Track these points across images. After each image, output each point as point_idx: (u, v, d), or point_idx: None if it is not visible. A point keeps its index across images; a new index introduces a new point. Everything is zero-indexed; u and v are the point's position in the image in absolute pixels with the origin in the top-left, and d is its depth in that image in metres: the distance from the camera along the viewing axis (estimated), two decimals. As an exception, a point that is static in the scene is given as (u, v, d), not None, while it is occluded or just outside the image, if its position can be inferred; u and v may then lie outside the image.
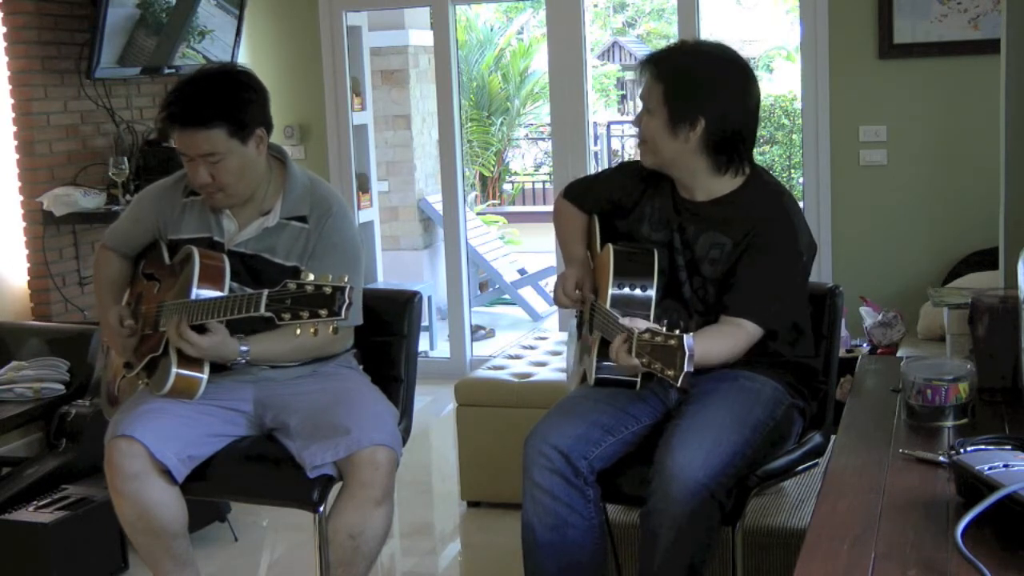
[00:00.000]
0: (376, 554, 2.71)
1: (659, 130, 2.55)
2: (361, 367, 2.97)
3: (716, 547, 2.50)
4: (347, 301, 2.31)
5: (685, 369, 2.12)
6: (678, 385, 2.15)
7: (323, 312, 2.32)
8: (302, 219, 2.81)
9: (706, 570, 2.46)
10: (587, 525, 2.54)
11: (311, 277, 2.36)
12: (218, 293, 2.67)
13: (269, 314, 2.38)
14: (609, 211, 2.80)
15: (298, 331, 2.37)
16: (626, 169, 2.86)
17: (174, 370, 2.68)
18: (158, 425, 2.67)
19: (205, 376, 2.71)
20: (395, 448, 2.68)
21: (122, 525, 2.77)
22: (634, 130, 2.73)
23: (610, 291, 2.56)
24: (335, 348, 2.85)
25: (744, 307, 2.52)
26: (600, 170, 3.01)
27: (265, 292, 2.40)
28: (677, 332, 2.16)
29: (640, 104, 2.63)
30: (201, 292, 2.66)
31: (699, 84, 2.54)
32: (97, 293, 3.06)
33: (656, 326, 2.22)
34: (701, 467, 2.38)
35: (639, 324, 2.28)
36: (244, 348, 2.67)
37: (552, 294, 2.86)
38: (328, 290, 2.32)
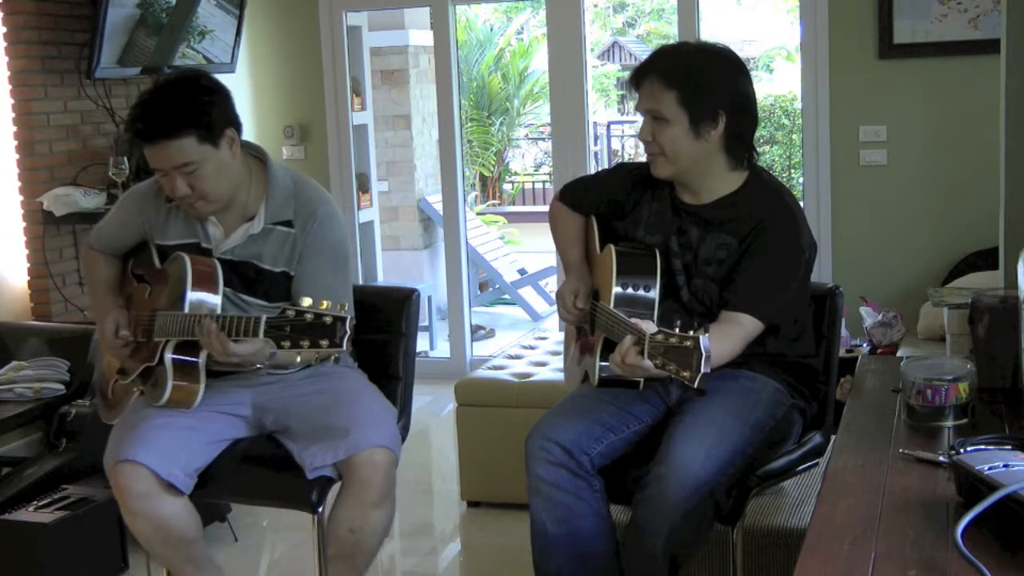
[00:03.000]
0: (376, 550, 2.71)
1: (680, 136, 2.54)
2: (356, 363, 2.96)
3: (703, 545, 2.51)
4: (348, 332, 2.29)
5: (702, 370, 2.11)
6: (695, 386, 2.13)
7: (324, 343, 2.30)
8: (287, 223, 2.77)
9: (687, 564, 2.46)
10: (596, 515, 2.54)
11: (308, 302, 2.32)
12: (213, 297, 2.66)
13: (267, 340, 2.36)
14: (606, 212, 2.80)
15: (299, 358, 2.37)
16: (622, 171, 2.85)
17: (171, 383, 2.67)
18: (160, 443, 2.65)
19: (202, 386, 2.70)
20: (394, 449, 2.68)
21: (140, 542, 2.76)
22: (635, 137, 2.72)
23: (614, 291, 2.56)
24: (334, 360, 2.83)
25: (745, 302, 2.52)
26: (596, 172, 3.00)
27: (263, 318, 2.38)
28: (692, 333, 2.15)
29: (641, 118, 2.61)
30: (195, 296, 2.65)
31: (711, 81, 2.54)
32: (92, 295, 3.03)
33: (667, 329, 2.21)
34: (702, 464, 2.38)
35: (649, 326, 2.27)
36: (272, 351, 2.54)
37: (556, 312, 2.85)
38: (328, 320, 2.29)
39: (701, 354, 2.11)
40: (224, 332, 2.51)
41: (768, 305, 2.54)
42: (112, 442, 2.73)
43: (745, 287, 2.53)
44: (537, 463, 2.54)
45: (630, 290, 2.57)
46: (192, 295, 2.65)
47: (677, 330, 2.18)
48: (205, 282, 2.68)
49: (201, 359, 2.69)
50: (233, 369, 2.79)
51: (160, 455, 2.63)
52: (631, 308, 2.52)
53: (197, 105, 2.65)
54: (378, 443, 2.63)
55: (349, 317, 2.31)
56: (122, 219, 2.94)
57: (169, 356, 2.67)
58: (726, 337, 2.49)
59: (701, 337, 2.12)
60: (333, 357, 2.41)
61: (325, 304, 2.32)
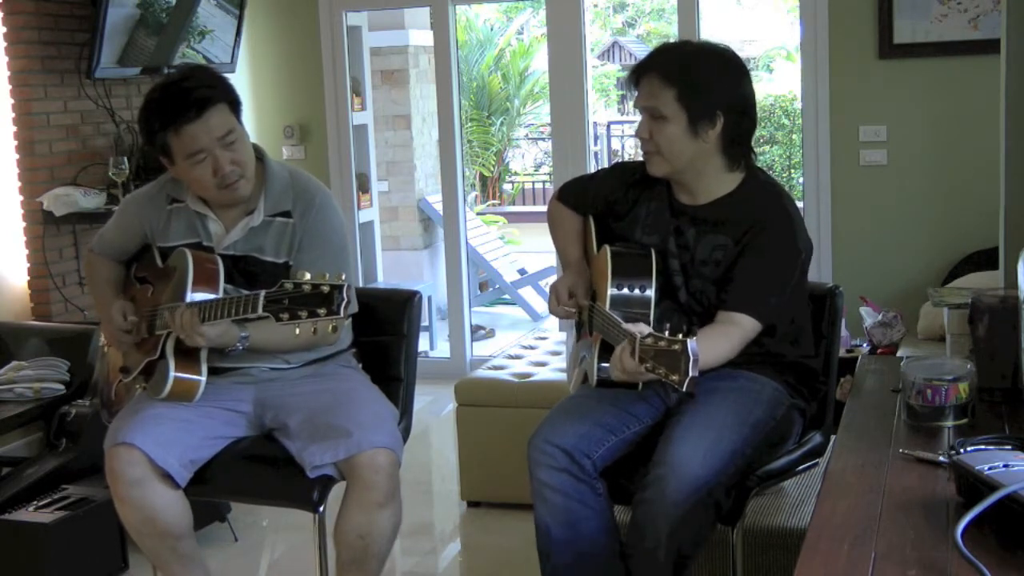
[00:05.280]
0: (387, 553, 2.71)
1: (678, 135, 2.53)
2: (360, 366, 2.96)
3: (703, 545, 2.50)
4: (345, 299, 2.30)
5: (690, 374, 2.11)
6: (683, 390, 2.13)
7: (322, 311, 2.31)
8: (286, 214, 2.80)
9: (692, 564, 2.46)
10: (600, 518, 2.54)
11: (307, 276, 2.34)
12: (213, 295, 2.67)
13: (266, 315, 2.37)
14: (604, 212, 2.79)
15: (297, 331, 2.36)
16: (620, 171, 2.85)
17: (172, 374, 2.68)
18: (158, 431, 2.66)
19: (203, 379, 2.70)
20: (395, 450, 2.68)
21: (127, 530, 2.77)
22: (635, 137, 2.70)
23: (609, 292, 2.56)
24: (334, 339, 2.84)
25: (741, 302, 2.52)
26: (594, 171, 3.00)
27: (262, 293, 2.39)
28: (680, 336, 2.15)
29: (639, 115, 2.60)
30: (196, 295, 2.66)
31: (710, 80, 2.54)
32: (95, 293, 3.05)
33: (657, 332, 2.21)
34: (701, 464, 2.38)
35: (642, 329, 2.27)
36: (244, 335, 2.66)
37: (548, 306, 2.84)
38: (326, 289, 2.31)
39: (689, 358, 2.11)
40: (224, 313, 2.52)
41: (765, 305, 2.54)
42: (111, 429, 2.74)
43: (742, 287, 2.53)
44: (540, 468, 2.54)
45: (625, 291, 2.57)
46: (192, 295, 2.66)
47: (667, 333, 2.18)
48: (206, 280, 2.69)
49: (202, 352, 2.70)
50: (234, 364, 2.80)
51: (156, 442, 2.64)
52: (627, 309, 2.52)
53: (219, 80, 2.75)
54: (380, 444, 2.63)
55: (347, 284, 2.31)
56: (123, 224, 2.96)
57: (171, 348, 2.68)
58: (724, 337, 2.49)
59: (689, 341, 2.12)
60: (332, 327, 2.39)
61: (324, 276, 2.34)
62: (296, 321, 2.33)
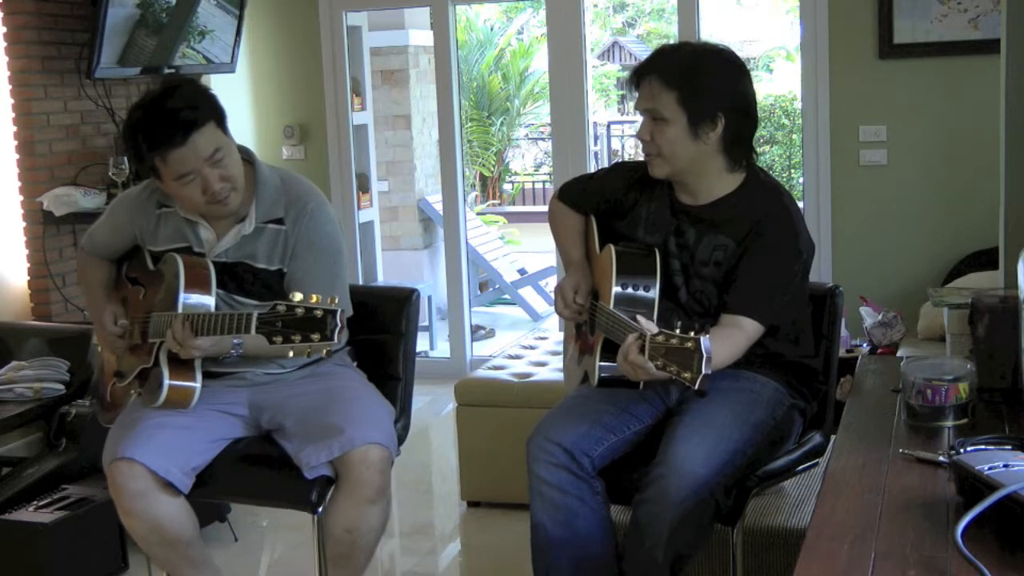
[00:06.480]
0: (374, 547, 2.71)
1: (678, 137, 2.52)
2: (355, 363, 2.96)
3: (704, 546, 2.51)
4: (339, 325, 2.29)
5: (703, 372, 2.10)
6: (695, 388, 2.12)
7: (315, 336, 2.30)
8: (279, 220, 2.77)
9: (689, 565, 2.46)
10: (597, 517, 2.54)
11: (299, 297, 2.33)
12: (207, 298, 2.66)
13: (260, 335, 2.36)
14: (605, 211, 2.79)
15: (291, 353, 2.36)
16: (621, 170, 2.85)
17: (167, 382, 2.66)
18: (157, 441, 2.65)
19: (198, 385, 2.69)
20: (389, 446, 2.67)
21: (136, 541, 2.76)
22: (635, 139, 2.69)
23: (613, 290, 2.56)
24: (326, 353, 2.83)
25: (744, 304, 2.52)
26: (595, 171, 3.00)
27: (255, 313, 2.38)
28: (692, 334, 2.14)
29: (640, 117, 2.60)
30: (189, 297, 2.65)
31: (711, 82, 2.53)
32: (88, 296, 3.04)
33: (668, 330, 2.20)
34: (703, 464, 2.38)
35: (650, 326, 2.27)
36: (237, 342, 2.62)
37: (554, 307, 2.84)
38: (319, 313, 2.30)
39: (702, 355, 2.10)
40: (216, 330, 2.51)
41: (768, 307, 2.54)
42: (110, 441, 2.73)
43: (745, 290, 2.53)
44: (538, 464, 2.54)
45: (630, 290, 2.57)
46: (185, 297, 2.65)
47: (678, 331, 2.17)
48: (198, 283, 2.68)
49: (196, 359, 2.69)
50: (229, 369, 2.80)
51: (157, 453, 2.63)
52: (631, 308, 2.52)
53: (202, 96, 2.70)
54: (373, 440, 2.62)
55: (340, 310, 2.31)
56: (113, 225, 2.93)
57: (165, 356, 2.67)
58: (729, 340, 2.49)
59: (702, 338, 2.11)
60: (326, 351, 2.40)
61: (316, 298, 2.33)
62: (290, 344, 2.32)
